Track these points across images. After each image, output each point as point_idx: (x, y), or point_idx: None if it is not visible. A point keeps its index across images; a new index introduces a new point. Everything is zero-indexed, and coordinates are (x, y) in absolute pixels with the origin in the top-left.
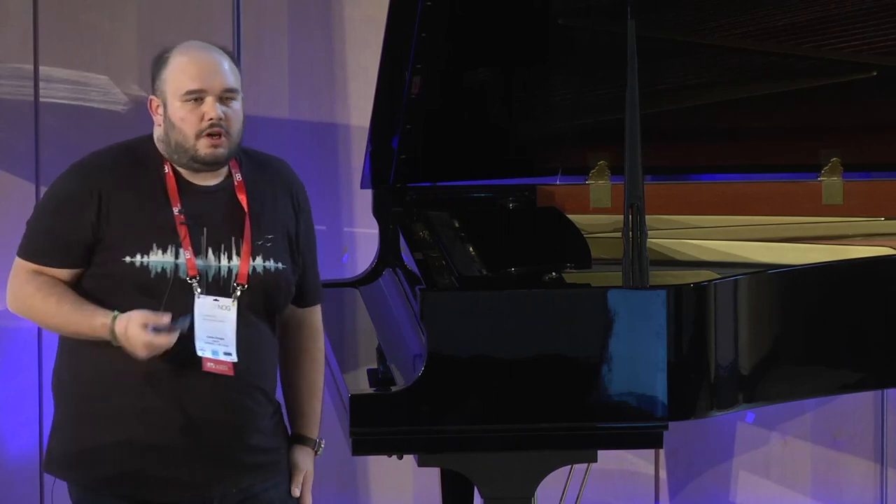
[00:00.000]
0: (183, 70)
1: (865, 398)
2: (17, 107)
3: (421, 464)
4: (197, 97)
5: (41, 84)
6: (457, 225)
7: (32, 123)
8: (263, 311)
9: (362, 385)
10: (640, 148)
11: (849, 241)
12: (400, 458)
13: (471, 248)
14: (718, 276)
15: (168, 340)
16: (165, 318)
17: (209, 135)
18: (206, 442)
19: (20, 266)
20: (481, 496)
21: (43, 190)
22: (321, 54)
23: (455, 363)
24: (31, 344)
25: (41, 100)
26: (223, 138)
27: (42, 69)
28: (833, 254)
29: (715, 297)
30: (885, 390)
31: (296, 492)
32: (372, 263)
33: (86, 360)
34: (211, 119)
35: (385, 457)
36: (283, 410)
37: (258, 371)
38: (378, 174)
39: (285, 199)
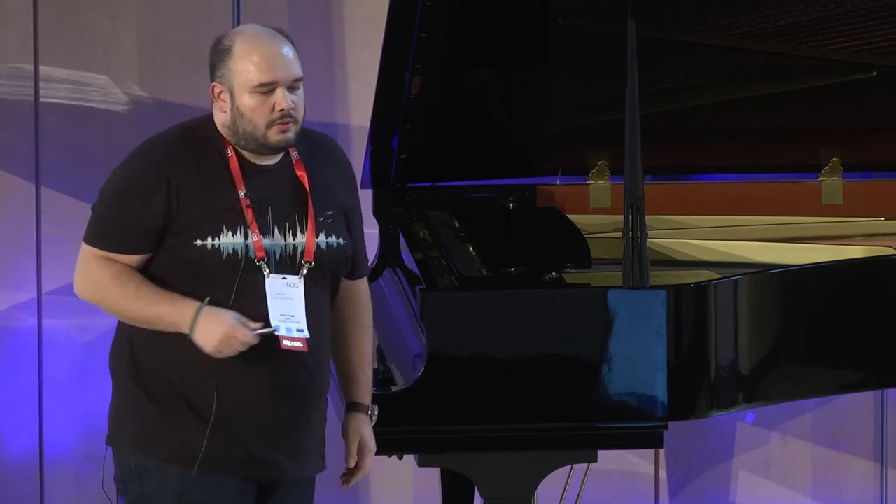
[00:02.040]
0: (252, 62)
1: (865, 398)
2: (17, 107)
3: (421, 464)
4: (268, 90)
5: (41, 84)
6: (457, 225)
7: (32, 123)
8: (327, 286)
9: None
10: (640, 148)
11: (849, 241)
12: (400, 458)
13: (471, 248)
14: (718, 276)
15: (249, 338)
16: (254, 325)
17: (279, 123)
18: (275, 424)
19: (89, 253)
20: (481, 496)
21: (43, 190)
22: (321, 54)
23: (455, 363)
24: (31, 344)
25: (41, 100)
26: (292, 124)
27: (42, 69)
28: (833, 254)
29: (715, 297)
30: (885, 390)
31: (351, 462)
32: (372, 263)
33: (160, 341)
34: (282, 110)
35: (385, 457)
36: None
37: (323, 348)
38: (378, 174)
39: (339, 175)
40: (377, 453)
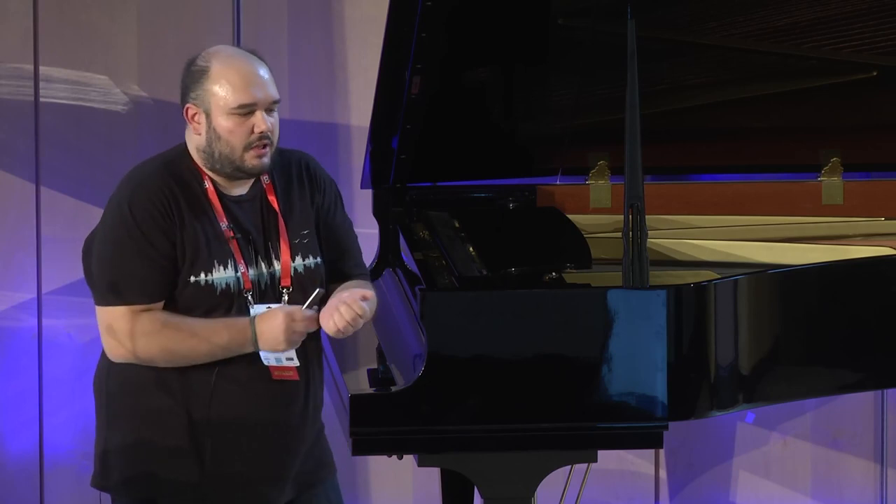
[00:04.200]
0: (231, 83)
1: (865, 398)
2: (17, 107)
3: (421, 464)
4: (248, 111)
5: (41, 84)
6: (457, 225)
7: (32, 123)
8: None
9: (362, 385)
10: (640, 148)
11: (849, 241)
12: (400, 458)
13: (471, 248)
14: (718, 276)
15: (305, 321)
16: (303, 310)
17: (256, 146)
18: (252, 450)
19: (119, 313)
20: (481, 496)
21: (43, 190)
22: (321, 54)
23: (455, 363)
24: (31, 344)
25: (41, 100)
26: (268, 148)
27: (42, 69)
28: (833, 254)
29: (715, 297)
30: (885, 390)
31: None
32: (372, 263)
33: (124, 370)
34: (262, 132)
35: (385, 457)
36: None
37: (307, 371)
38: (378, 174)
39: (312, 191)
40: (377, 453)
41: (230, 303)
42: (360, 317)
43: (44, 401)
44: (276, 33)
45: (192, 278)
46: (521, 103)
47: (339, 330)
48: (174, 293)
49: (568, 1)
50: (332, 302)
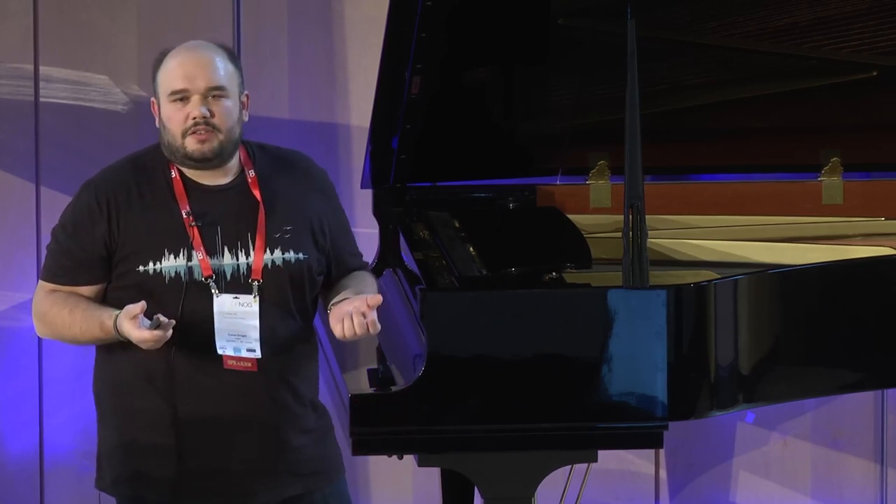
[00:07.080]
0: (171, 70)
1: (865, 398)
2: (17, 107)
3: (421, 464)
4: (182, 97)
5: (41, 84)
6: (457, 225)
7: (32, 123)
8: (289, 304)
9: (362, 385)
10: (640, 148)
11: (849, 241)
12: (400, 458)
13: (471, 248)
14: (718, 276)
15: (159, 334)
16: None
17: (193, 132)
18: (240, 445)
19: (40, 288)
20: (481, 496)
21: (43, 190)
22: (321, 54)
23: (455, 363)
24: (31, 344)
25: (41, 100)
26: (209, 135)
27: (42, 69)
28: (833, 254)
29: (715, 297)
30: (885, 390)
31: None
32: (372, 263)
33: (109, 369)
34: (195, 118)
35: (385, 457)
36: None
37: (287, 366)
38: (378, 174)
39: (307, 189)
40: (377, 453)
41: (181, 291)
42: (370, 332)
43: (44, 401)
44: (276, 33)
45: (141, 268)
46: (521, 103)
47: (345, 337)
48: (126, 282)
49: (568, 1)
50: (343, 307)
